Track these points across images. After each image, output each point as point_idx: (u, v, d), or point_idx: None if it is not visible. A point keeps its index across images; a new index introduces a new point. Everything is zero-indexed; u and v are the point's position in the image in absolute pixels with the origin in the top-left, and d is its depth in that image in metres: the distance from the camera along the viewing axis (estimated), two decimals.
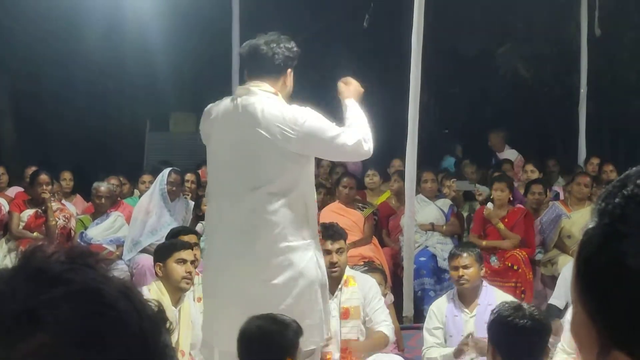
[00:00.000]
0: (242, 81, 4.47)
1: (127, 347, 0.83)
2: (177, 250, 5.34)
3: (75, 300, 0.83)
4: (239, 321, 3.75)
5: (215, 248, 4.22)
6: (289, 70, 4.23)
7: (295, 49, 4.26)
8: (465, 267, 5.55)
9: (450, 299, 5.69)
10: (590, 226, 0.90)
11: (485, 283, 5.74)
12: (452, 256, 5.71)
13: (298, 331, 3.61)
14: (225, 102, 4.23)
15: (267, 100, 4.10)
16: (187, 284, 5.28)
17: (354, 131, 4.15)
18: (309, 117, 4.08)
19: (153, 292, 5.21)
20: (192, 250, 5.63)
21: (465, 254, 5.60)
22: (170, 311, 5.08)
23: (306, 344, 4.10)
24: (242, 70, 4.42)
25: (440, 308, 5.68)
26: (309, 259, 4.12)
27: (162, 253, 5.45)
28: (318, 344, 4.35)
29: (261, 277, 4.06)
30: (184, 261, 5.29)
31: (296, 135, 4.02)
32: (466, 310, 5.55)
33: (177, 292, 5.28)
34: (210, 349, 4.23)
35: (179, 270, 5.24)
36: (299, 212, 4.11)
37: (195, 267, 5.61)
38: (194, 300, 5.69)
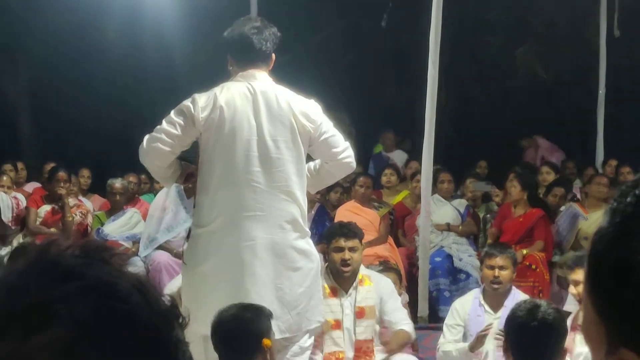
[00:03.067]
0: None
1: (140, 341, 0.84)
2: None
3: (89, 294, 0.83)
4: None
5: (227, 238, 4.17)
6: (273, 55, 4.35)
7: (276, 33, 4.35)
8: (501, 267, 5.47)
9: (474, 298, 5.61)
10: (602, 225, 0.90)
11: (513, 286, 5.65)
12: (488, 256, 5.58)
13: (269, 315, 3.70)
14: (236, 89, 4.21)
15: (277, 87, 4.25)
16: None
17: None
18: (323, 115, 4.32)
19: None
20: None
21: (502, 255, 5.51)
22: None
23: (311, 322, 4.30)
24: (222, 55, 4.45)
25: (463, 306, 5.63)
26: (315, 250, 4.42)
27: None
28: (321, 322, 4.54)
29: (288, 265, 4.19)
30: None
31: (314, 126, 4.22)
32: (490, 311, 5.49)
33: None
34: (204, 342, 4.21)
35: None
36: (305, 201, 4.32)
37: None
38: None
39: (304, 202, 4.28)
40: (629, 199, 0.88)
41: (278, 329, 4.00)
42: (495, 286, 5.46)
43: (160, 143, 4.14)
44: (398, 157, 11.98)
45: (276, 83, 4.36)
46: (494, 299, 5.49)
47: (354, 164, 4.49)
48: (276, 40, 4.32)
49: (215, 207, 4.21)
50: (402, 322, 5.50)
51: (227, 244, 4.16)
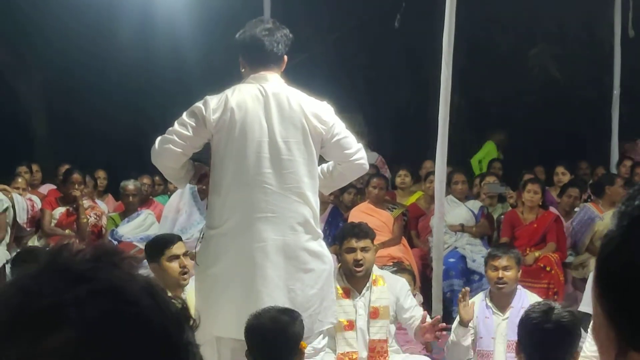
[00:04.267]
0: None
1: (150, 344, 0.85)
2: (167, 247, 5.10)
3: (99, 297, 0.84)
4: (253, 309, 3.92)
5: (239, 240, 4.18)
6: (285, 56, 4.36)
7: (287, 34, 4.36)
8: (505, 268, 5.45)
9: (482, 300, 5.60)
10: (611, 228, 0.90)
11: (519, 286, 5.65)
12: (492, 257, 5.58)
13: (302, 319, 3.77)
14: (247, 91, 4.22)
15: (289, 89, 4.27)
16: (185, 279, 5.07)
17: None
18: (335, 117, 4.34)
19: None
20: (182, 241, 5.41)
21: (506, 256, 5.50)
22: None
23: (323, 323, 4.31)
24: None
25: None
26: (326, 246, 4.43)
27: (152, 253, 5.21)
28: (333, 324, 4.59)
29: (300, 266, 4.21)
30: (176, 257, 5.06)
31: (326, 128, 4.24)
32: (498, 312, 5.48)
33: (176, 288, 5.04)
34: (217, 343, 4.21)
35: (173, 267, 5.03)
36: (317, 203, 4.33)
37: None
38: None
39: (315, 203, 4.28)
40: (636, 202, 0.88)
41: None
42: (500, 286, 5.44)
43: (172, 144, 4.18)
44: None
45: (290, 84, 4.37)
46: (501, 300, 5.48)
47: (367, 166, 4.50)
48: (288, 42, 4.34)
49: (227, 209, 4.21)
50: (419, 316, 5.48)
51: (239, 245, 4.17)
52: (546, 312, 3.47)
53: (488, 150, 12.46)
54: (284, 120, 4.16)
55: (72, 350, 0.81)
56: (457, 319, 5.34)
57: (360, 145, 4.38)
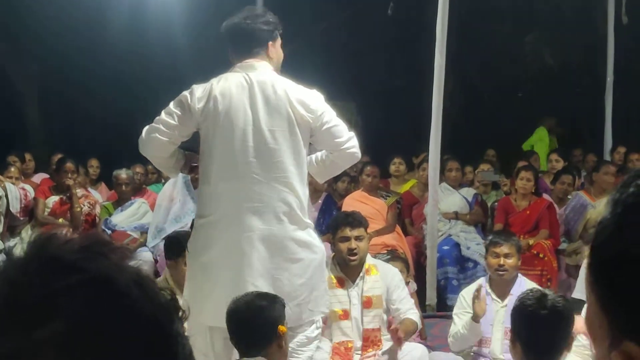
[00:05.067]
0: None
1: (139, 335, 0.84)
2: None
3: (89, 288, 0.83)
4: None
5: (228, 229, 4.18)
6: (270, 42, 4.27)
7: (272, 20, 4.30)
8: (506, 255, 5.45)
9: (481, 287, 5.60)
10: (605, 216, 0.89)
11: (519, 274, 5.66)
12: (493, 244, 5.56)
13: (283, 304, 3.74)
14: (233, 79, 4.21)
15: (276, 76, 4.22)
16: None
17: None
18: (324, 101, 4.27)
19: (163, 280, 5.15)
20: None
21: (507, 243, 5.50)
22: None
23: (314, 313, 4.28)
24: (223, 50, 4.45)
25: (470, 295, 5.62)
26: (316, 235, 4.38)
27: (172, 251, 5.36)
28: (325, 313, 4.54)
29: (287, 256, 4.18)
30: None
31: (314, 117, 4.17)
32: (497, 299, 5.48)
33: None
34: (210, 333, 4.21)
35: None
36: (305, 192, 4.28)
37: None
38: None
39: (303, 193, 4.23)
40: (631, 189, 0.87)
41: None
42: (501, 273, 5.45)
43: (159, 133, 4.18)
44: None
45: (282, 73, 4.35)
46: (500, 287, 5.48)
47: (359, 154, 4.42)
48: (272, 27, 4.28)
49: (215, 198, 4.22)
50: (410, 311, 5.50)
51: (227, 234, 4.17)
52: (540, 299, 3.47)
53: (540, 136, 12.40)
54: (269, 109, 4.13)
55: (62, 341, 0.81)
56: (472, 315, 5.33)
57: (351, 134, 4.31)
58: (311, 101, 4.18)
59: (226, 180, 4.18)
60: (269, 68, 4.24)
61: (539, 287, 4.42)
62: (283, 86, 4.16)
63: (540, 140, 12.33)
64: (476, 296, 5.22)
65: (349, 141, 4.27)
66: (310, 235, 4.30)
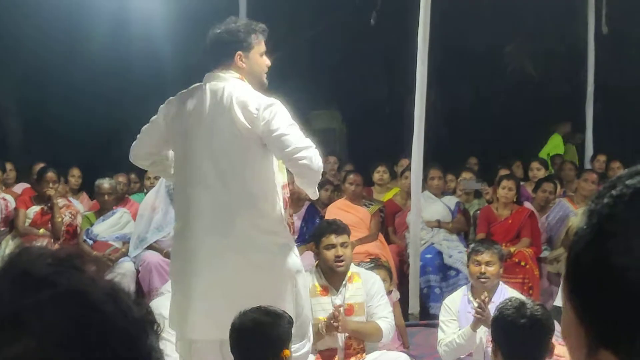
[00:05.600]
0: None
1: (112, 350, 0.83)
2: None
3: (60, 303, 0.82)
4: (218, 308, 3.97)
5: (192, 238, 4.20)
6: (239, 52, 4.24)
7: (242, 29, 4.27)
8: (487, 263, 5.49)
9: (463, 295, 5.62)
10: (581, 226, 0.90)
11: (500, 282, 5.69)
12: (475, 252, 5.60)
13: (291, 322, 3.66)
14: (197, 90, 4.26)
15: (235, 84, 4.18)
16: None
17: (316, 150, 4.13)
18: (276, 106, 4.11)
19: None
20: None
21: (488, 251, 5.54)
22: None
23: None
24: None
25: (454, 303, 5.63)
26: (287, 248, 4.25)
27: None
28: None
29: (244, 265, 4.13)
30: None
31: (254, 122, 4.07)
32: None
33: None
34: (187, 342, 4.23)
35: None
36: (272, 202, 4.19)
37: None
38: None
39: (258, 198, 4.17)
40: (605, 200, 0.88)
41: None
42: (483, 280, 5.47)
43: (138, 142, 4.40)
44: None
45: (268, 80, 4.36)
46: (480, 295, 5.49)
47: (314, 165, 4.09)
48: (242, 36, 4.24)
49: (176, 209, 4.39)
50: (382, 318, 5.46)
51: (186, 244, 4.22)
52: (519, 308, 3.49)
53: (555, 144, 12.35)
54: (218, 115, 4.13)
55: (34, 358, 0.80)
56: (470, 324, 5.31)
57: (306, 144, 4.08)
58: (254, 107, 4.08)
59: (182, 190, 4.27)
60: (234, 76, 4.21)
61: (519, 296, 4.44)
62: (231, 92, 4.13)
63: (555, 148, 12.26)
64: (483, 302, 5.19)
65: (301, 152, 4.05)
66: (273, 242, 4.20)
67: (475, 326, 5.23)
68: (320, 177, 4.39)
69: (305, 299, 4.39)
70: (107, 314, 0.84)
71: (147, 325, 0.89)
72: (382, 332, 5.43)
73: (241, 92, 4.14)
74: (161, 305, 4.82)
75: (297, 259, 4.31)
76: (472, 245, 5.93)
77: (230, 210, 4.13)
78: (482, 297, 5.23)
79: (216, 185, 4.14)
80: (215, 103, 4.15)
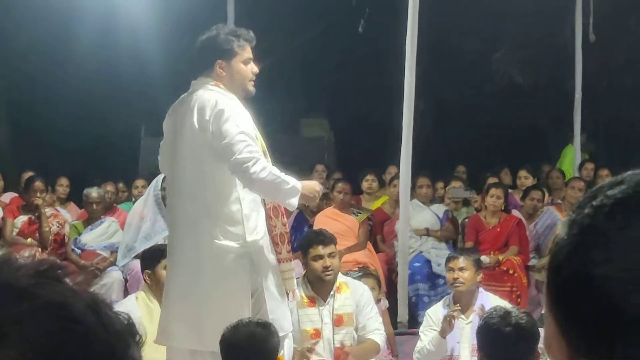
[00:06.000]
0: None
1: None
2: (164, 256, 5.13)
3: (41, 315, 0.82)
4: (186, 316, 4.06)
5: (169, 247, 4.45)
6: (220, 60, 4.20)
7: (221, 39, 4.24)
8: (461, 269, 5.57)
9: (446, 305, 5.68)
10: (561, 237, 0.90)
11: (481, 289, 5.74)
12: (450, 259, 5.76)
13: (277, 333, 3.71)
14: (183, 99, 4.31)
15: (203, 91, 4.17)
16: None
17: (261, 162, 3.97)
18: (228, 113, 4.02)
19: (141, 300, 5.14)
20: None
21: (462, 258, 5.64)
22: None
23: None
24: None
25: (436, 313, 5.68)
26: (242, 257, 4.13)
27: (149, 260, 5.42)
28: None
29: (190, 272, 4.17)
30: None
31: (209, 125, 4.05)
32: (462, 316, 5.53)
33: None
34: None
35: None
36: (232, 210, 4.11)
37: None
38: None
39: (214, 207, 4.13)
40: (586, 211, 0.88)
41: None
42: (456, 286, 5.55)
43: (159, 157, 4.52)
44: None
45: (255, 88, 4.36)
46: (463, 304, 5.56)
47: (253, 178, 3.94)
48: (214, 45, 4.23)
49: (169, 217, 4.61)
50: (375, 331, 5.48)
51: (169, 250, 4.47)
52: (504, 317, 3.50)
53: (570, 154, 12.27)
54: (186, 124, 4.16)
55: None
56: (439, 329, 5.36)
57: (247, 156, 3.94)
58: (208, 114, 4.04)
59: (168, 195, 4.48)
60: (211, 84, 4.20)
61: (501, 303, 4.47)
62: (197, 99, 4.14)
63: (572, 158, 12.18)
64: (453, 317, 5.24)
65: (239, 165, 3.96)
66: (228, 248, 4.14)
67: (443, 333, 5.27)
68: (283, 188, 4.07)
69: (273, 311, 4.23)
70: (88, 326, 0.83)
71: (129, 336, 0.88)
72: (379, 347, 5.50)
73: (204, 99, 4.11)
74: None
75: (266, 269, 4.20)
76: (448, 254, 6.04)
77: (194, 219, 4.17)
78: (454, 309, 5.31)
79: (183, 194, 4.22)
80: (185, 112, 4.17)
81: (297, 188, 4.11)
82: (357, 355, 5.38)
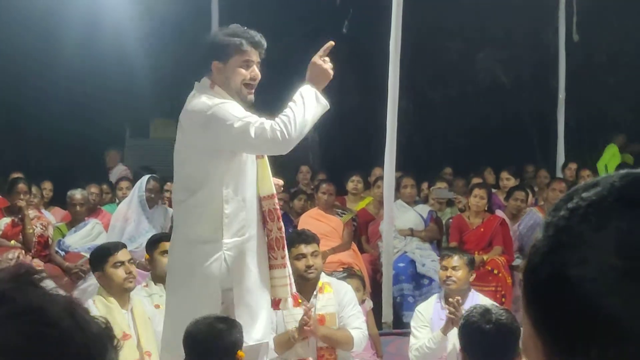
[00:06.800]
0: None
1: None
2: (111, 254, 5.23)
3: (18, 319, 0.82)
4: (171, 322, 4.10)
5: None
6: (215, 62, 4.12)
7: (218, 38, 4.19)
8: (454, 268, 5.63)
9: (436, 302, 5.71)
10: (538, 238, 0.91)
11: (472, 289, 5.77)
12: (443, 257, 5.82)
13: (240, 329, 3.72)
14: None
15: (197, 93, 4.13)
16: (131, 282, 5.19)
17: (274, 123, 3.95)
18: (219, 107, 3.98)
19: (99, 303, 5.10)
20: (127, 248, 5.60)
21: (457, 256, 5.71)
22: (122, 316, 5.05)
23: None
24: None
25: (426, 310, 5.70)
26: (214, 258, 4.06)
27: (96, 262, 5.32)
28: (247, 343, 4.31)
29: (176, 282, 4.21)
30: (121, 263, 5.18)
31: (201, 124, 4.00)
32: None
33: (123, 294, 5.17)
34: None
35: (119, 273, 5.14)
36: (212, 209, 4.05)
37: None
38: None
39: (192, 209, 4.09)
40: (562, 213, 0.89)
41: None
42: (449, 284, 5.60)
43: None
44: None
45: (252, 95, 4.32)
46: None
47: (287, 137, 3.97)
48: (213, 46, 4.20)
49: None
50: (355, 329, 5.45)
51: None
52: (484, 314, 3.52)
53: (612, 153, 12.30)
54: (180, 123, 4.19)
55: None
56: (441, 327, 5.35)
57: (249, 120, 3.97)
58: (203, 106, 4.03)
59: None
60: (206, 84, 4.16)
61: (486, 304, 4.48)
62: (189, 100, 4.15)
63: (613, 157, 12.21)
64: (455, 305, 5.22)
65: (242, 127, 3.94)
66: (203, 255, 4.08)
67: (446, 330, 5.28)
68: (306, 114, 4.23)
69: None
70: (64, 330, 0.84)
71: (107, 339, 0.88)
72: (354, 341, 5.38)
73: (193, 102, 4.08)
74: None
75: (242, 273, 4.12)
76: (442, 252, 6.06)
77: (176, 221, 4.27)
78: (455, 299, 5.29)
79: (173, 197, 4.35)
80: (181, 113, 4.20)
81: (310, 95, 4.37)
82: (325, 334, 5.30)
